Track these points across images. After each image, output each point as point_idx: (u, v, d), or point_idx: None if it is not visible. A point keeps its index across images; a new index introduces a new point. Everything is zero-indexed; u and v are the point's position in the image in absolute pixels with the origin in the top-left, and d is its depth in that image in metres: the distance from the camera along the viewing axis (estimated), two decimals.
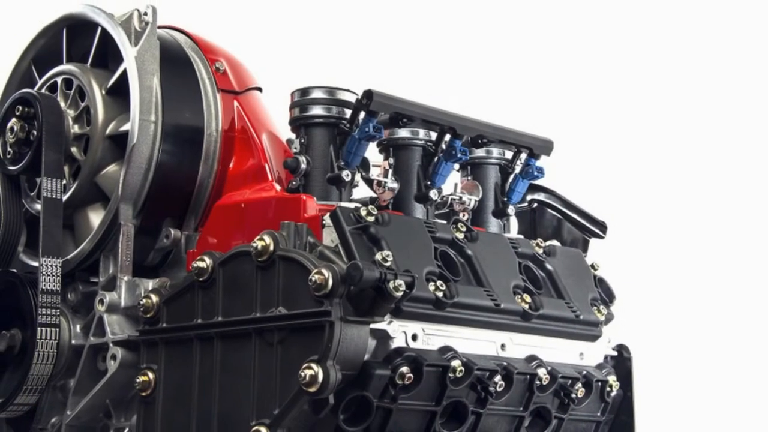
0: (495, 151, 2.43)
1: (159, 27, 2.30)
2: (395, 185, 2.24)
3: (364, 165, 2.24)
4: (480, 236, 2.18)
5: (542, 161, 2.41)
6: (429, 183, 2.25)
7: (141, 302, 2.12)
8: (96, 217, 2.29)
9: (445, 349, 1.98)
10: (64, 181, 2.27)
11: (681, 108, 3.93)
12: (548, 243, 2.35)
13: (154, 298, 2.11)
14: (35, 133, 2.27)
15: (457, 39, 4.00)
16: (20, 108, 2.30)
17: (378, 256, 1.90)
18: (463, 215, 2.37)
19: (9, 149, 2.32)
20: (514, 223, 2.49)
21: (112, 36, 2.28)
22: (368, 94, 2.10)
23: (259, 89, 2.45)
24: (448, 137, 2.24)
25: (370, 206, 2.01)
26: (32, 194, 2.38)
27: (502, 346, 2.11)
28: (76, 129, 2.32)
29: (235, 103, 2.37)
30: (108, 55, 2.35)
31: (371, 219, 1.99)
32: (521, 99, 3.80)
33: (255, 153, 2.31)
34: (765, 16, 3.94)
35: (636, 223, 3.67)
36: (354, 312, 1.87)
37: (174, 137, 2.26)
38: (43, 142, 2.23)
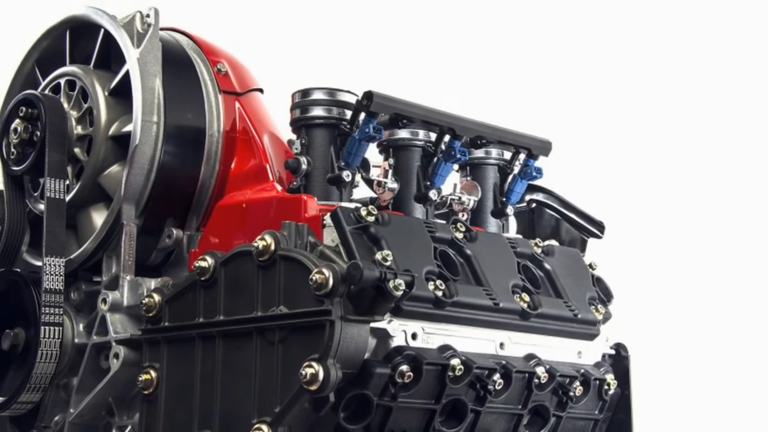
0: (494, 152, 2.43)
1: (161, 29, 2.30)
2: (395, 185, 2.24)
3: (365, 165, 2.24)
4: (479, 236, 2.18)
5: (541, 162, 2.41)
6: (428, 183, 2.25)
7: (143, 301, 2.13)
8: (99, 217, 2.29)
9: (445, 348, 1.98)
10: (68, 182, 2.27)
11: (678, 109, 3.93)
12: (546, 243, 2.35)
13: (157, 298, 2.11)
14: (39, 133, 2.27)
15: (456, 40, 4.00)
16: (24, 109, 2.30)
17: (378, 256, 1.91)
18: (463, 215, 2.37)
19: (13, 150, 2.32)
20: (512, 223, 2.49)
21: (115, 38, 2.28)
22: (368, 96, 2.10)
23: (261, 90, 2.45)
24: (447, 138, 2.24)
25: (370, 206, 2.01)
26: (36, 194, 2.38)
27: (501, 344, 2.11)
28: (79, 130, 2.32)
29: (237, 104, 2.37)
30: (111, 57, 2.35)
31: (371, 219, 2.00)
32: (520, 100, 3.80)
33: (256, 154, 2.31)
34: (763, 17, 3.94)
35: (633, 223, 3.67)
36: (354, 311, 1.87)
37: (176, 138, 2.26)
38: (46, 143, 2.23)
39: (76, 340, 2.27)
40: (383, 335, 1.92)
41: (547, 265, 2.28)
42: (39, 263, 2.25)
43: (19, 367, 2.24)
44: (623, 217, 3.35)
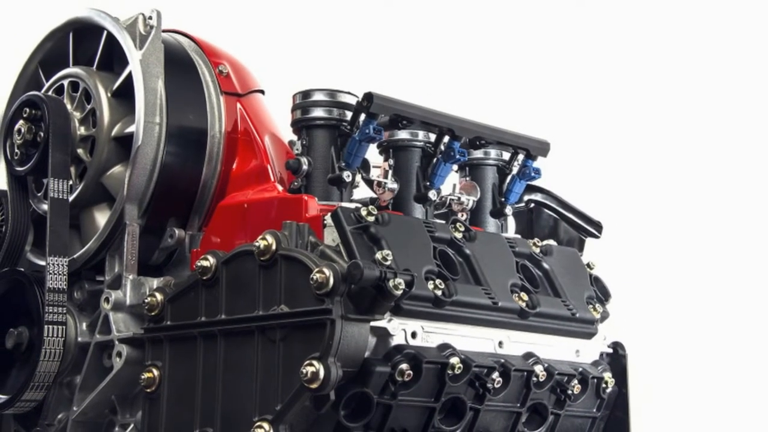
0: (493, 153, 2.43)
1: (163, 31, 2.30)
2: (395, 186, 2.24)
3: (365, 166, 2.24)
4: (478, 236, 2.18)
5: (539, 162, 2.41)
6: (428, 184, 2.25)
7: (146, 300, 2.13)
8: (102, 217, 2.29)
9: (444, 347, 1.98)
10: (71, 182, 2.27)
11: (674, 110, 3.93)
12: (545, 242, 2.35)
13: (159, 297, 2.11)
14: (42, 134, 2.27)
15: (455, 42, 4.00)
16: (27, 110, 2.30)
17: (378, 256, 1.91)
18: (462, 215, 2.37)
19: (17, 150, 2.32)
20: (511, 222, 2.49)
21: (118, 39, 2.28)
22: (368, 97, 2.11)
23: (262, 92, 2.45)
24: (446, 139, 2.24)
25: (370, 206, 2.01)
26: (39, 195, 2.38)
27: (500, 343, 2.11)
28: (82, 131, 2.32)
29: (238, 106, 2.37)
30: (113, 59, 2.35)
31: (371, 219, 2.00)
32: (519, 101, 3.80)
33: (257, 154, 2.32)
34: (761, 17, 3.94)
35: (631, 223, 3.67)
36: (354, 310, 1.87)
37: (178, 139, 2.26)
38: (49, 144, 2.23)
39: (80, 339, 2.27)
40: (383, 334, 1.92)
41: (545, 265, 2.28)
42: (42, 263, 2.25)
43: (23, 366, 2.25)
44: (621, 217, 3.35)
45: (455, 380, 1.97)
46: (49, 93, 2.37)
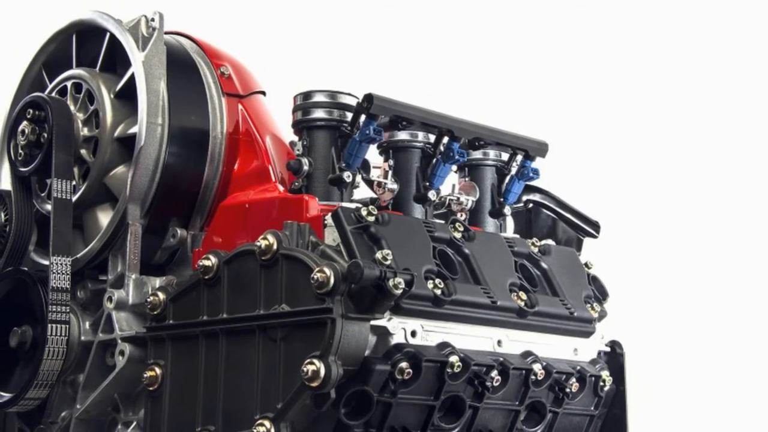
0: (492, 153, 2.43)
1: (166, 33, 2.30)
2: (395, 186, 2.24)
3: (365, 166, 2.24)
4: (477, 236, 2.18)
5: (537, 163, 2.41)
6: (427, 184, 2.25)
7: (148, 299, 2.13)
8: (105, 217, 2.29)
9: (444, 345, 1.98)
10: (74, 182, 2.27)
11: (671, 111, 3.93)
12: (543, 242, 2.34)
13: (161, 296, 2.11)
14: (46, 135, 2.27)
15: (455, 44, 4.00)
16: (31, 111, 2.30)
17: (378, 255, 1.91)
18: (461, 215, 2.37)
19: (20, 151, 2.32)
20: (510, 222, 2.49)
21: (121, 41, 2.28)
22: (369, 98, 2.10)
23: (263, 93, 2.45)
24: (446, 140, 2.24)
25: (370, 206, 2.01)
26: (43, 195, 2.38)
27: (499, 342, 2.11)
28: (85, 132, 2.32)
29: (240, 107, 2.37)
30: (116, 60, 2.35)
31: (371, 219, 1.99)
32: (517, 102, 3.80)
33: (259, 155, 2.32)
34: (756, 17, 3.94)
35: (628, 223, 3.67)
36: (355, 309, 1.87)
37: (180, 140, 2.26)
38: (53, 145, 2.23)
39: (83, 338, 2.27)
40: (383, 333, 1.92)
41: (543, 264, 2.27)
42: (46, 262, 2.25)
43: (27, 364, 2.25)
44: (618, 217, 3.35)
45: (454, 378, 1.96)
46: (53, 94, 2.37)
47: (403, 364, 1.89)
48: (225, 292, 2.02)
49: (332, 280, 1.84)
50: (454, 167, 2.38)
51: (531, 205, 2.55)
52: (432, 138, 2.27)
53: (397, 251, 1.95)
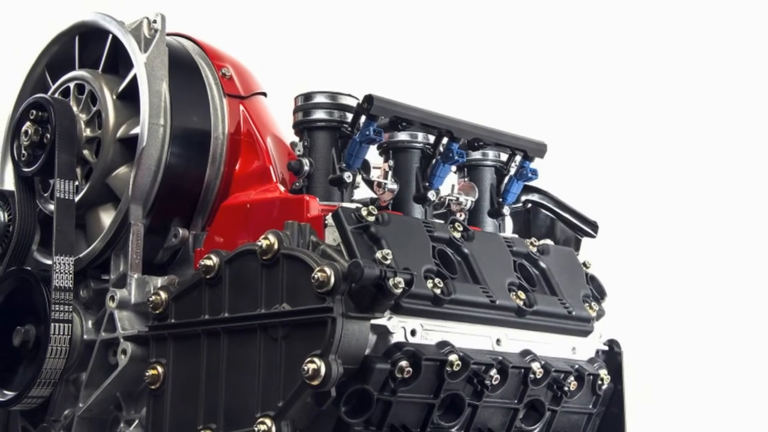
0: (491, 154, 2.43)
1: (167, 34, 2.30)
2: (395, 186, 2.24)
3: (365, 167, 2.24)
4: (476, 235, 2.18)
5: (536, 163, 2.41)
6: (427, 184, 2.25)
7: (150, 299, 2.12)
8: (107, 217, 2.29)
9: (443, 344, 1.98)
10: (77, 183, 2.27)
11: (667, 112, 3.93)
12: (542, 242, 2.34)
13: (163, 295, 2.11)
14: (49, 136, 2.27)
15: (454, 46, 4.00)
16: (34, 112, 2.30)
17: (378, 255, 1.91)
18: (460, 215, 2.37)
19: (24, 152, 2.32)
20: (509, 222, 2.49)
21: (123, 43, 2.28)
22: (369, 99, 2.10)
23: (264, 94, 2.45)
24: (445, 140, 2.24)
25: (370, 206, 2.01)
26: (46, 195, 2.38)
27: (498, 341, 2.11)
28: (88, 132, 2.32)
29: (241, 108, 2.37)
30: (119, 62, 2.35)
31: (372, 219, 1.99)
32: (516, 104, 3.80)
33: (260, 155, 2.32)
34: (753, 19, 3.94)
35: (626, 223, 3.67)
36: (355, 308, 1.87)
37: (182, 140, 2.26)
38: (56, 145, 2.23)
39: (85, 337, 2.27)
40: (383, 332, 1.92)
41: (542, 264, 2.27)
42: (49, 262, 2.24)
43: (30, 363, 2.24)
44: (616, 217, 3.35)
45: (454, 377, 1.96)
46: (56, 95, 2.37)
47: (403, 363, 1.89)
48: (226, 291, 2.02)
49: (333, 280, 1.84)
50: (454, 168, 2.38)
51: (530, 205, 2.55)
52: (432, 139, 2.27)
53: (397, 251, 1.95)
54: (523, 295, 2.14)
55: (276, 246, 1.94)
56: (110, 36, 2.33)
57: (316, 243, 1.98)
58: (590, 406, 2.30)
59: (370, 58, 3.87)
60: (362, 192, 2.29)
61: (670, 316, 3.74)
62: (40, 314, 2.23)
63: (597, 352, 2.35)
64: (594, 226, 2.55)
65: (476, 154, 2.42)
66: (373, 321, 1.89)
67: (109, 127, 2.28)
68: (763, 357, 3.72)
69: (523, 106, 3.80)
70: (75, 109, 2.33)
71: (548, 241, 2.38)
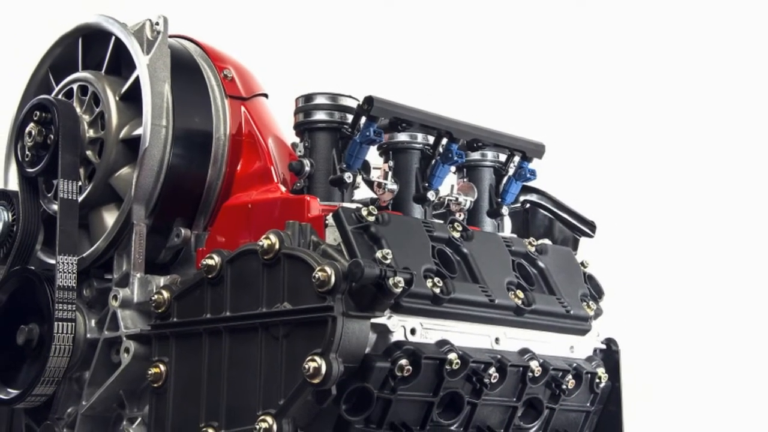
0: (489, 154, 2.43)
1: (170, 36, 2.30)
2: (395, 187, 2.24)
3: (365, 167, 2.24)
4: (475, 235, 2.18)
5: (534, 164, 2.41)
6: (427, 185, 2.25)
7: (153, 298, 2.12)
8: (110, 217, 2.29)
9: (442, 343, 1.98)
10: (80, 183, 2.27)
11: (665, 113, 3.93)
12: (540, 242, 2.34)
13: (166, 294, 2.11)
14: (52, 137, 2.27)
15: (453, 48, 4.00)
16: (38, 113, 2.30)
17: (378, 254, 1.91)
18: (459, 215, 2.37)
19: (27, 152, 2.32)
20: (507, 222, 2.49)
21: (126, 45, 2.28)
22: (369, 100, 2.10)
23: (265, 95, 2.45)
24: (445, 141, 2.24)
25: (370, 207, 2.01)
26: (49, 195, 2.38)
27: (497, 339, 2.11)
28: (91, 133, 2.32)
29: (243, 109, 2.37)
30: (121, 63, 2.35)
31: (372, 219, 2.00)
32: (515, 105, 3.80)
33: (261, 156, 2.32)
34: (747, 19, 3.94)
35: (624, 223, 3.67)
36: (355, 307, 1.87)
37: (184, 141, 2.26)
38: (59, 146, 2.23)
39: (88, 336, 2.27)
40: (383, 330, 1.92)
41: (540, 263, 2.27)
42: (52, 261, 2.25)
43: (34, 361, 2.25)
44: (614, 217, 3.35)
45: (453, 375, 1.96)
46: (59, 97, 2.37)
47: (403, 362, 1.89)
48: (228, 290, 2.02)
49: (333, 279, 1.84)
50: (453, 168, 2.37)
51: (528, 205, 2.55)
52: (431, 139, 2.27)
53: (397, 250, 1.95)
54: (521, 295, 2.14)
55: (277, 246, 1.94)
56: (113, 38, 2.33)
57: (317, 243, 1.98)
58: (588, 404, 2.30)
59: (370, 59, 3.87)
60: (362, 192, 2.29)
61: (668, 314, 3.74)
62: (44, 313, 2.23)
63: (595, 350, 2.35)
64: (592, 226, 2.55)
65: (475, 155, 2.42)
66: (373, 320, 1.90)
67: (112, 128, 2.28)
68: (761, 355, 3.71)
69: (521, 107, 3.80)
70: (78, 110, 2.33)
71: (546, 241, 2.38)
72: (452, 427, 2.03)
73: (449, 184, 2.38)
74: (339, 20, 3.99)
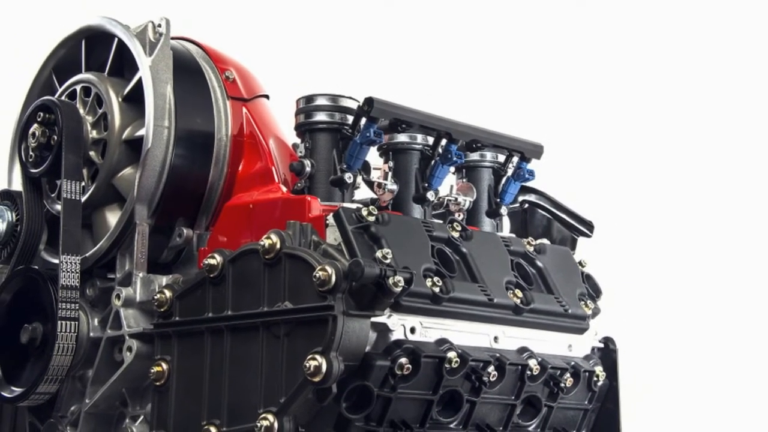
0: (488, 155, 2.43)
1: (172, 38, 2.30)
2: (394, 187, 2.24)
3: (365, 168, 2.24)
4: (474, 235, 2.18)
5: (533, 164, 2.41)
6: (426, 185, 2.25)
7: (155, 297, 2.13)
8: (113, 217, 2.29)
9: (442, 342, 1.98)
10: (83, 183, 2.27)
11: (661, 114, 3.93)
12: (538, 241, 2.35)
13: (168, 293, 2.11)
14: (56, 138, 2.27)
15: (453, 49, 4.00)
16: (42, 114, 2.30)
17: (378, 254, 1.91)
18: (459, 215, 2.37)
19: (31, 153, 2.32)
20: (506, 222, 2.49)
21: (128, 46, 2.28)
22: (369, 101, 2.11)
23: (267, 96, 2.45)
24: (444, 142, 2.24)
25: (370, 207, 2.01)
26: (53, 195, 2.38)
27: (495, 338, 2.11)
28: (94, 134, 2.32)
29: (244, 110, 2.37)
30: (124, 65, 2.35)
31: (372, 219, 2.00)
32: (514, 106, 3.80)
33: (262, 157, 2.32)
34: (742, 20, 3.94)
35: (621, 223, 3.67)
36: (356, 306, 1.87)
37: (186, 142, 2.26)
38: (63, 147, 2.24)
39: (91, 334, 2.27)
40: (383, 329, 1.92)
41: (539, 263, 2.27)
42: (56, 261, 2.25)
43: (37, 360, 2.25)
44: (611, 217, 3.35)
45: (452, 374, 1.97)
46: (63, 98, 2.37)
47: (403, 360, 1.89)
48: (230, 289, 2.02)
49: (334, 278, 1.84)
50: (452, 169, 2.38)
51: (526, 205, 2.55)
52: (431, 140, 2.27)
53: (397, 250, 1.95)
54: (520, 294, 2.14)
55: (278, 245, 1.94)
56: (116, 40, 2.34)
57: (318, 242, 1.98)
58: (586, 402, 2.30)
59: (371, 60, 3.87)
60: (363, 192, 2.29)
61: (665, 313, 3.74)
62: (48, 312, 2.23)
63: (592, 349, 2.35)
64: (589, 225, 2.55)
65: (474, 156, 2.42)
66: (373, 319, 1.90)
67: (115, 129, 2.28)
68: (758, 353, 3.71)
69: (520, 108, 3.80)
70: (81, 111, 2.33)
71: (545, 241, 2.38)
72: (451, 425, 2.04)
73: (448, 184, 2.38)
74: (339, 22, 3.99)
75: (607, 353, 2.37)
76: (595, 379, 2.28)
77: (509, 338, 2.13)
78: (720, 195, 3.85)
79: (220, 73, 2.38)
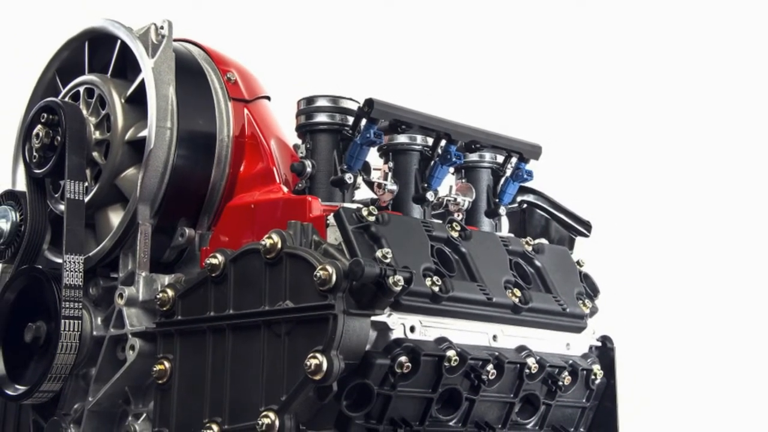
0: (487, 156, 2.43)
1: (174, 40, 2.30)
2: (394, 187, 2.24)
3: (366, 168, 2.24)
4: (473, 235, 2.18)
5: (531, 165, 2.41)
6: (426, 185, 2.25)
7: (158, 296, 2.13)
8: (116, 217, 2.29)
9: (441, 340, 1.98)
10: (86, 184, 2.27)
11: (659, 114, 3.93)
12: (537, 241, 2.35)
13: (170, 293, 2.11)
14: (59, 138, 2.27)
15: (452, 50, 4.00)
16: (45, 115, 2.30)
17: (378, 254, 1.91)
18: (458, 215, 2.37)
19: (35, 154, 2.32)
20: (505, 222, 2.49)
21: (131, 48, 2.28)
22: (369, 103, 2.11)
23: (268, 98, 2.45)
24: (443, 142, 2.24)
25: (371, 207, 2.01)
26: (56, 196, 2.38)
27: (494, 337, 2.11)
28: (97, 135, 2.32)
29: (246, 111, 2.37)
30: (127, 66, 2.35)
31: (372, 219, 2.00)
32: (512, 107, 3.80)
33: (264, 157, 2.32)
34: (743, 21, 3.94)
35: (619, 223, 3.67)
36: (356, 305, 1.87)
37: (188, 143, 2.26)
38: (66, 147, 2.24)
39: (95, 333, 2.27)
40: (383, 328, 1.92)
41: (537, 262, 2.28)
42: (59, 260, 2.25)
43: (41, 358, 2.25)
44: (609, 217, 3.35)
45: (452, 372, 1.97)
46: (66, 99, 2.37)
47: (403, 358, 1.89)
48: (231, 289, 2.02)
49: (334, 278, 1.85)
50: (452, 169, 2.38)
51: (525, 205, 2.55)
52: (430, 141, 2.27)
53: (397, 250, 1.95)
54: (518, 293, 2.14)
55: (279, 245, 1.95)
56: (119, 42, 2.34)
57: (318, 242, 1.98)
58: (584, 400, 2.30)
59: (371, 62, 3.87)
60: (363, 193, 2.29)
61: (662, 312, 3.74)
62: (51, 311, 2.23)
63: (590, 347, 2.35)
64: (587, 225, 2.55)
65: (473, 156, 2.42)
66: (373, 318, 1.90)
67: (118, 130, 2.28)
68: (755, 352, 3.71)
69: (519, 109, 3.80)
70: (85, 112, 2.33)
71: (543, 241, 2.38)
72: (451, 423, 2.04)
73: (448, 184, 2.39)
74: (340, 23, 3.99)
75: (604, 352, 2.38)
76: (593, 377, 2.28)
77: (508, 337, 2.13)
78: (718, 195, 3.85)
79: (221, 75, 2.38)
